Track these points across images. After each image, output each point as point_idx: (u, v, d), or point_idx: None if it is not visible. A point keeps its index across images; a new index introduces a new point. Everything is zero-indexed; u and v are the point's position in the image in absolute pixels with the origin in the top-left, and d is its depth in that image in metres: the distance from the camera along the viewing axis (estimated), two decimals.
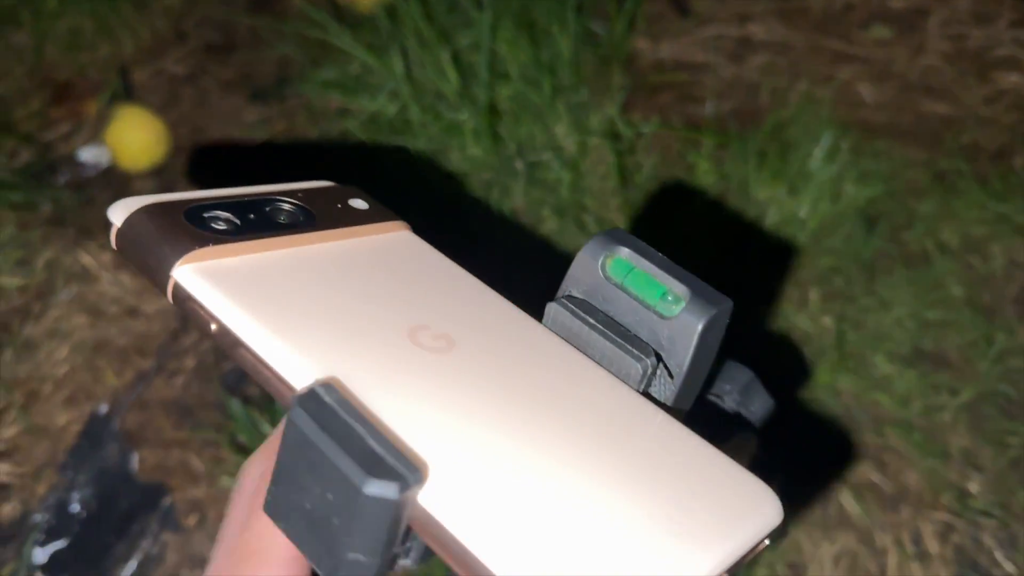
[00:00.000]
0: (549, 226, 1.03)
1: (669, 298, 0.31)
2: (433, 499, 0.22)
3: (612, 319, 0.32)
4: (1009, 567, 0.82)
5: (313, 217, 0.33)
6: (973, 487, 0.87)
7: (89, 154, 1.09)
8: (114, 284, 0.98)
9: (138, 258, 0.28)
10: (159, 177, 1.08)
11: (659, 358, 0.31)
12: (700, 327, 0.30)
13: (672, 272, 0.31)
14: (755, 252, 1.01)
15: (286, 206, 0.33)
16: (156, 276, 0.27)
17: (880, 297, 0.98)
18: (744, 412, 0.47)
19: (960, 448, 0.89)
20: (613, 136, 1.07)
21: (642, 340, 0.31)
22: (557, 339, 0.31)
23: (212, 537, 0.84)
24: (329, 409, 0.23)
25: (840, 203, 1.04)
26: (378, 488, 0.21)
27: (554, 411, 0.27)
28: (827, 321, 0.97)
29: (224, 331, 0.26)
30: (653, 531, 0.23)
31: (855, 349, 0.94)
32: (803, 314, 0.97)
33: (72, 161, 1.09)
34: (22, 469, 0.88)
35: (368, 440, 0.21)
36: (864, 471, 0.87)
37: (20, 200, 1.05)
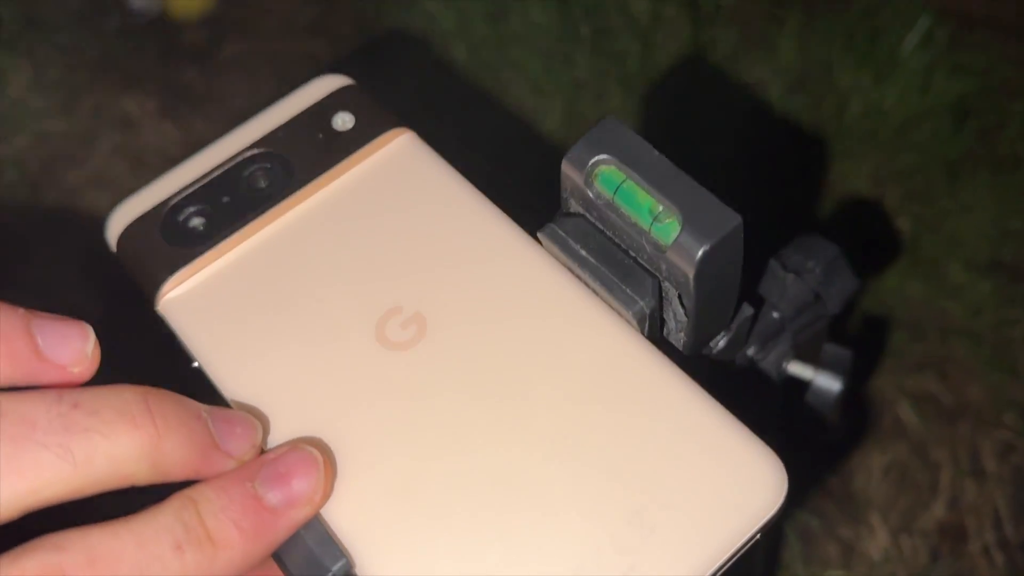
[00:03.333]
0: (613, 101, 0.95)
1: (667, 216, 0.24)
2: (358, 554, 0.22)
3: (610, 241, 0.25)
4: None
5: (292, 170, 0.29)
6: None
7: (141, 1, 1.02)
8: (156, 134, 0.93)
9: (136, 280, 0.28)
10: (208, 27, 1.02)
11: (661, 293, 0.25)
12: (698, 259, 0.23)
13: (666, 186, 0.24)
14: (833, 145, 0.93)
15: (262, 166, 0.29)
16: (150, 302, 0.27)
17: (961, 201, 0.90)
18: (823, 292, 0.42)
19: None
20: (690, 5, 0.97)
21: (641, 270, 0.25)
22: (551, 273, 0.26)
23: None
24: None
25: (929, 96, 0.94)
26: None
27: (524, 394, 0.24)
28: (903, 222, 0.90)
29: (201, 370, 0.26)
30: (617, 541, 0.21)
31: (929, 254, 0.87)
32: (878, 214, 0.90)
33: (123, 6, 1.02)
34: None
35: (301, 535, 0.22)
36: (925, 381, 0.82)
37: (67, 42, 1.00)
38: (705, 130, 0.92)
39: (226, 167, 0.29)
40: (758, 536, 0.21)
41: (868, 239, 0.89)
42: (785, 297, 0.39)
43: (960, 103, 0.94)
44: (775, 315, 0.39)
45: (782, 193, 0.91)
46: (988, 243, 0.88)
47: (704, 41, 0.96)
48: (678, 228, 0.23)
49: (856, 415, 0.79)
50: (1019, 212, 0.90)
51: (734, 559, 0.21)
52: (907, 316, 0.85)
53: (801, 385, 0.42)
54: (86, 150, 0.93)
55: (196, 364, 0.26)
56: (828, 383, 0.42)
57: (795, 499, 0.59)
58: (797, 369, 0.41)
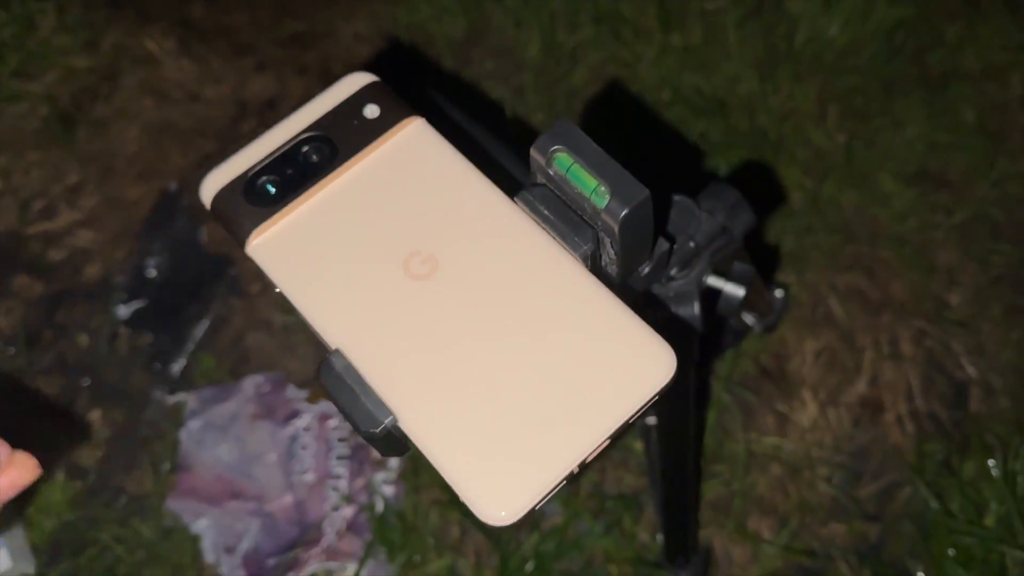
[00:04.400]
0: (584, 33, 1.04)
1: (600, 189, 0.35)
2: (407, 425, 0.33)
3: (564, 204, 0.37)
4: (971, 371, 0.90)
5: (336, 149, 0.39)
6: (953, 299, 0.93)
7: None
8: (177, 70, 1.02)
9: (229, 233, 0.38)
10: None
11: (598, 241, 0.37)
12: (620, 220, 0.35)
13: (600, 169, 0.36)
14: (783, 68, 1.02)
15: (314, 146, 0.40)
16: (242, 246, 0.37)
17: (894, 117, 1.00)
18: (729, 225, 0.53)
19: (946, 264, 0.94)
20: None
21: (585, 224, 0.36)
22: (523, 225, 0.37)
23: (273, 303, 0.93)
24: (335, 374, 0.35)
25: (870, 22, 1.03)
26: (366, 432, 0.33)
27: (500, 300, 0.36)
28: (841, 138, 1.00)
29: (282, 294, 0.36)
30: (553, 395, 0.33)
31: (863, 166, 0.98)
32: (820, 130, 1.00)
33: None
34: (101, 237, 0.97)
35: (360, 397, 0.33)
36: (854, 278, 0.94)
37: None
38: (664, 49, 1.02)
39: (288, 146, 0.39)
40: (656, 398, 0.33)
41: (811, 152, 0.99)
42: (700, 231, 0.50)
43: (897, 28, 1.04)
44: (691, 244, 0.50)
45: (740, 112, 1.00)
46: (916, 155, 0.99)
47: None
48: (607, 197, 0.35)
49: (791, 308, 0.91)
50: (946, 127, 1.00)
51: (636, 417, 0.33)
52: (840, 222, 0.96)
53: (716, 293, 0.54)
54: (110, 85, 1.02)
55: (278, 290, 0.36)
56: (734, 290, 0.53)
57: (736, 379, 0.73)
58: (713, 281, 0.52)
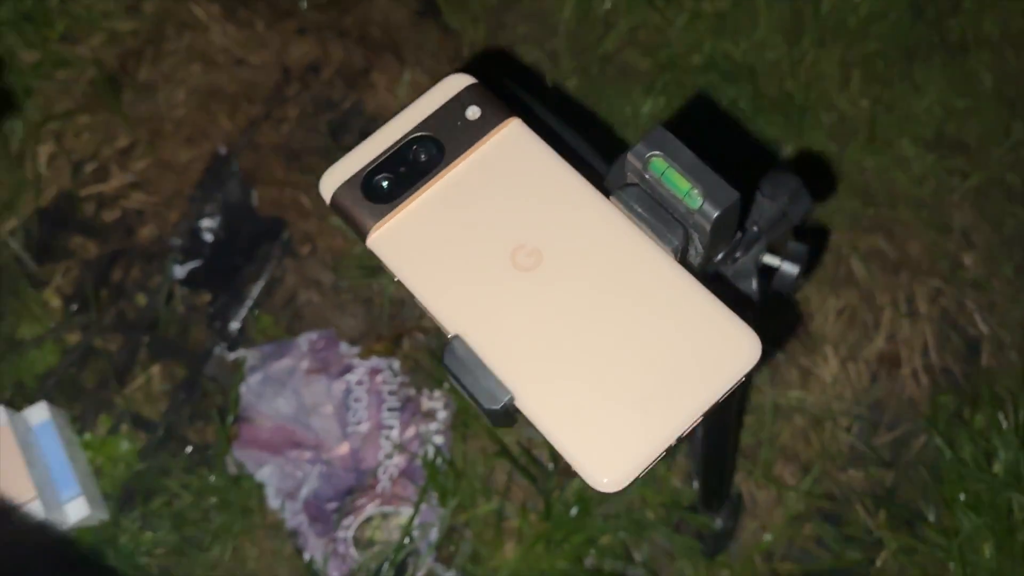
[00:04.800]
0: None
1: (693, 192, 0.40)
2: (522, 403, 0.38)
3: (658, 203, 0.41)
4: (984, 328, 0.95)
5: (443, 148, 0.43)
6: (967, 259, 0.98)
7: None
8: (222, 35, 1.04)
9: (350, 226, 0.42)
10: None
11: (688, 237, 0.41)
12: (712, 220, 0.40)
13: (695, 172, 0.40)
14: (808, 35, 1.05)
15: (423, 145, 0.43)
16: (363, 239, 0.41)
17: (914, 83, 1.04)
18: (789, 211, 0.58)
19: (961, 225, 0.99)
20: None
21: (676, 222, 0.41)
22: (619, 222, 0.41)
23: (323, 264, 0.97)
24: (457, 357, 0.39)
25: None
26: (487, 408, 0.37)
27: (601, 290, 0.40)
28: (864, 103, 1.03)
29: (402, 284, 0.40)
30: (651, 377, 0.38)
31: (884, 131, 1.02)
32: (844, 95, 1.03)
33: None
34: (154, 199, 1.00)
35: (480, 379, 0.38)
36: (873, 239, 0.98)
37: None
38: (695, 15, 1.05)
39: (399, 145, 0.43)
40: (743, 380, 0.38)
41: (836, 117, 1.03)
42: (763, 216, 0.55)
43: None
44: (755, 228, 0.55)
45: (768, 77, 1.04)
46: (935, 120, 1.03)
47: None
48: (700, 200, 0.39)
49: (817, 270, 0.96)
50: (964, 93, 1.04)
51: (724, 399, 0.38)
52: (862, 184, 1.00)
53: (772, 271, 0.58)
54: (155, 49, 1.05)
55: (396, 279, 0.41)
56: (790, 268, 0.58)
57: (765, 338, 0.78)
58: (769, 259, 0.57)
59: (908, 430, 0.92)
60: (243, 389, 0.92)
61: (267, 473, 0.90)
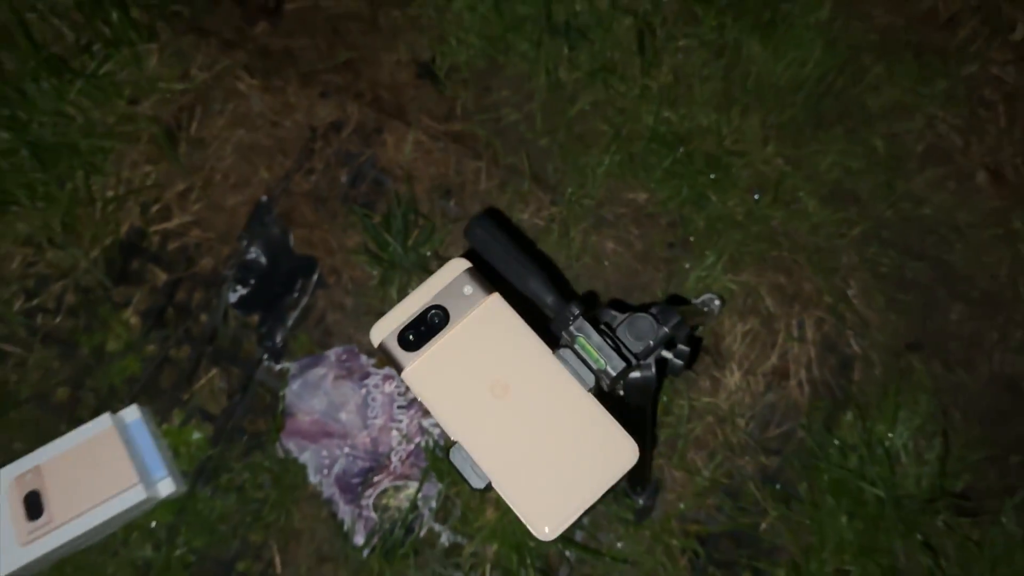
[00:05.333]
0: (581, 72, 1.29)
1: (600, 360, 0.67)
2: (496, 484, 0.64)
3: (581, 361, 0.68)
4: (858, 349, 1.24)
5: (448, 315, 0.70)
6: (849, 293, 1.26)
7: None
8: (260, 102, 1.27)
9: (389, 363, 0.68)
10: None
11: (598, 380, 0.68)
12: (610, 377, 0.68)
13: (601, 349, 0.68)
14: (737, 105, 1.29)
15: (435, 312, 0.70)
16: (400, 375, 0.67)
17: (820, 146, 1.29)
18: (673, 333, 0.85)
19: (846, 266, 1.26)
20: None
21: (591, 373, 0.68)
22: (559, 369, 0.68)
23: (346, 291, 1.23)
24: (458, 457, 0.64)
25: (807, 66, 1.30)
26: (474, 488, 0.64)
27: (544, 412, 0.68)
28: (778, 162, 1.29)
29: (425, 407, 0.68)
30: (573, 467, 0.65)
31: (791, 187, 1.27)
32: (761, 156, 1.28)
33: None
34: (209, 235, 1.25)
35: (471, 469, 0.65)
36: (776, 276, 1.25)
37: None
38: (644, 90, 1.28)
39: (420, 312, 0.70)
40: (636, 486, 0.66)
41: (753, 175, 1.28)
42: (656, 337, 0.81)
43: (829, 71, 1.30)
44: (651, 343, 0.81)
45: (700, 139, 1.28)
46: (833, 178, 1.28)
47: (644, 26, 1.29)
48: (604, 363, 0.67)
49: (726, 303, 1.23)
50: (859, 155, 1.29)
51: (610, 491, 0.66)
52: (769, 232, 1.26)
53: (666, 361, 0.85)
54: (204, 109, 1.28)
55: (420, 400, 0.68)
56: (677, 362, 0.85)
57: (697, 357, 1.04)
58: (666, 354, 0.84)
59: (791, 428, 1.21)
60: (287, 392, 1.20)
61: (307, 456, 1.19)
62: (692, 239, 1.25)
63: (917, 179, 1.29)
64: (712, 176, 1.25)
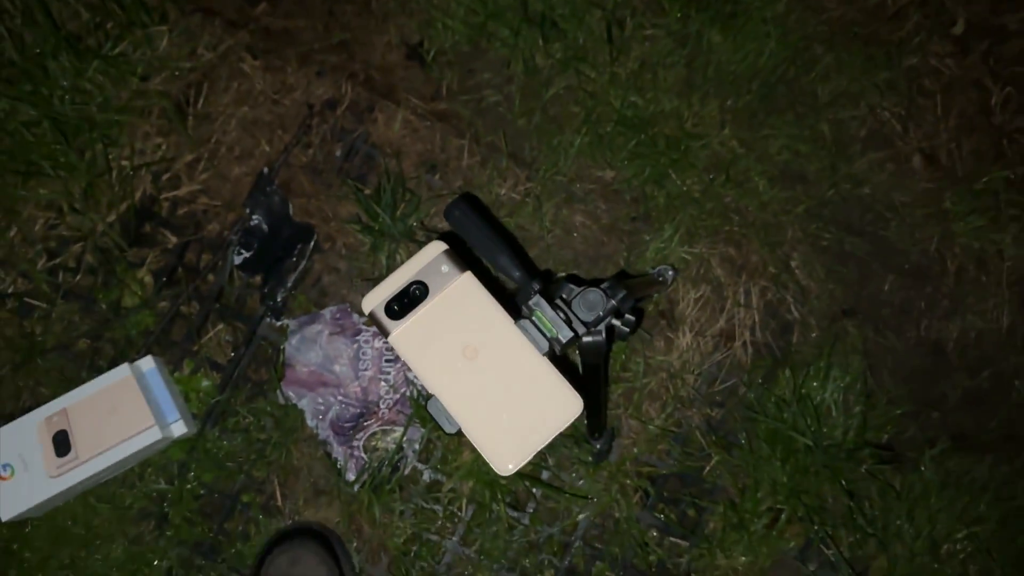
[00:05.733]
0: (556, 58, 1.41)
1: (553, 329, 0.81)
2: (465, 429, 0.79)
3: (538, 330, 0.82)
4: (797, 315, 1.38)
5: (427, 289, 0.84)
6: (792, 264, 1.39)
7: None
8: (262, 81, 1.38)
9: (378, 329, 0.82)
10: None
11: (551, 346, 0.82)
12: (561, 344, 0.82)
13: (554, 322, 0.82)
14: (697, 91, 1.41)
15: (418, 286, 0.84)
16: (386, 339, 0.80)
17: (772, 130, 1.41)
18: (619, 304, 0.98)
19: (791, 239, 1.39)
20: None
21: (545, 340, 0.82)
22: (519, 336, 0.82)
23: (340, 256, 1.36)
24: (434, 408, 0.79)
25: (763, 56, 1.41)
26: (448, 432, 0.79)
27: (505, 371, 0.83)
28: (733, 144, 1.41)
29: (407, 366, 0.82)
30: (529, 414, 0.80)
31: (743, 168, 1.40)
32: (718, 138, 1.41)
33: None
34: (215, 203, 1.37)
35: (444, 417, 0.81)
36: (727, 249, 1.38)
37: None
38: (612, 76, 1.40)
39: (404, 286, 0.84)
40: (568, 426, 0.80)
41: (711, 156, 1.40)
42: (605, 309, 0.95)
43: (783, 61, 1.42)
44: (600, 314, 0.95)
45: (663, 123, 1.40)
46: (783, 160, 1.41)
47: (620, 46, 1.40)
48: (556, 332, 0.81)
49: (680, 272, 1.37)
50: (807, 139, 1.41)
51: (560, 436, 0.80)
52: (722, 209, 1.39)
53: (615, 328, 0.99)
54: (211, 86, 1.39)
55: (405, 361, 0.82)
56: (623, 329, 0.98)
57: (643, 324, 1.20)
58: (614, 322, 0.98)
59: (734, 384, 1.36)
60: (287, 345, 1.34)
61: (305, 403, 1.33)
62: (653, 214, 1.38)
63: (859, 162, 1.42)
64: (673, 157, 1.38)
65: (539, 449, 0.82)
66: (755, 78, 1.42)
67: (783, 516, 1.32)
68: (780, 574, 1.34)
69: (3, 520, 1.18)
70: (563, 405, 0.82)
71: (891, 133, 1.44)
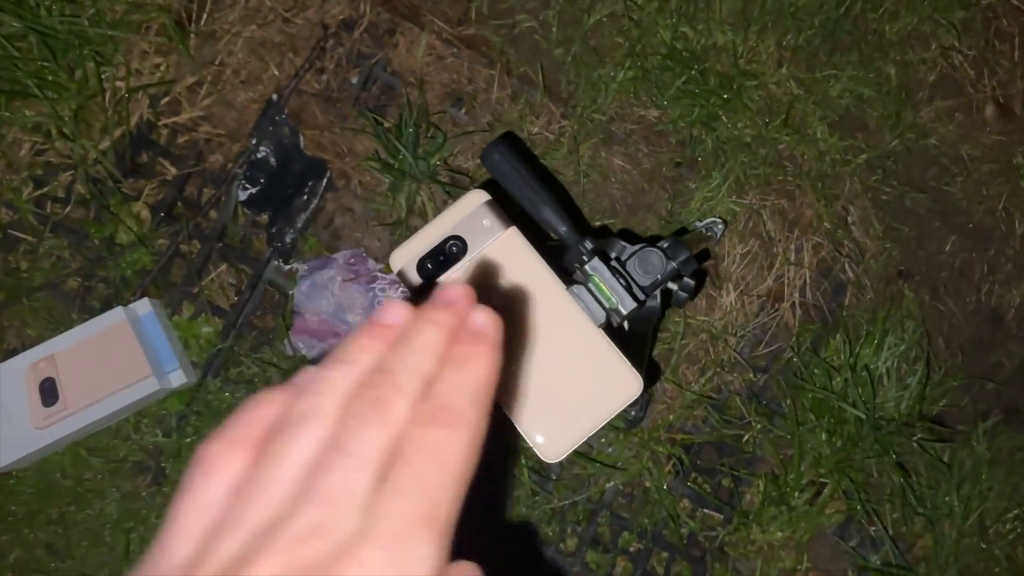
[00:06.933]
0: None
1: (612, 298, 0.68)
2: (508, 410, 0.66)
3: (594, 298, 0.69)
4: (851, 275, 1.25)
5: (466, 245, 0.71)
6: (848, 220, 1.26)
7: None
8: None
9: (408, 289, 0.68)
10: None
11: (608, 317, 0.70)
12: (622, 316, 0.69)
13: (614, 288, 0.69)
14: (755, 24, 1.25)
15: (456, 242, 0.71)
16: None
17: (833, 71, 1.27)
18: (680, 268, 0.85)
19: (848, 193, 1.26)
20: None
21: (602, 310, 0.69)
22: (571, 303, 0.70)
23: (355, 195, 1.23)
24: None
25: None
26: None
27: (555, 345, 0.70)
28: (791, 85, 1.26)
29: None
30: (581, 395, 0.68)
31: (801, 112, 1.26)
32: (775, 78, 1.26)
33: None
34: (219, 131, 1.23)
35: None
36: (779, 201, 1.25)
37: None
38: (663, 4, 1.25)
39: (438, 242, 0.71)
40: (628, 404, 0.68)
41: (765, 97, 1.26)
42: (665, 270, 0.82)
43: None
44: (659, 277, 0.82)
45: (716, 59, 1.25)
46: (843, 105, 1.27)
47: None
48: (616, 302, 0.68)
49: (728, 225, 1.24)
50: (870, 82, 1.27)
51: (613, 416, 0.68)
52: (775, 156, 1.25)
53: (672, 293, 0.86)
54: (216, 2, 1.23)
55: None
56: (682, 295, 0.86)
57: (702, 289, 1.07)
58: (672, 286, 0.85)
59: (779, 348, 1.24)
60: (296, 292, 1.21)
61: (315, 354, 1.21)
62: (699, 159, 1.24)
63: (925, 109, 1.28)
64: (725, 96, 1.23)
65: (591, 435, 0.71)
66: (818, 12, 1.26)
67: (826, 490, 1.22)
68: (818, 550, 1.24)
69: None
70: (620, 385, 0.70)
71: (962, 79, 1.29)
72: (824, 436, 1.21)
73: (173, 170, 1.22)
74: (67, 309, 1.19)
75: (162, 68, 1.22)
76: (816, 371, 1.22)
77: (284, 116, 1.22)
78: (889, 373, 1.22)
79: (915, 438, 1.21)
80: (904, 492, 1.20)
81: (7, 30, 1.16)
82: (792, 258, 1.24)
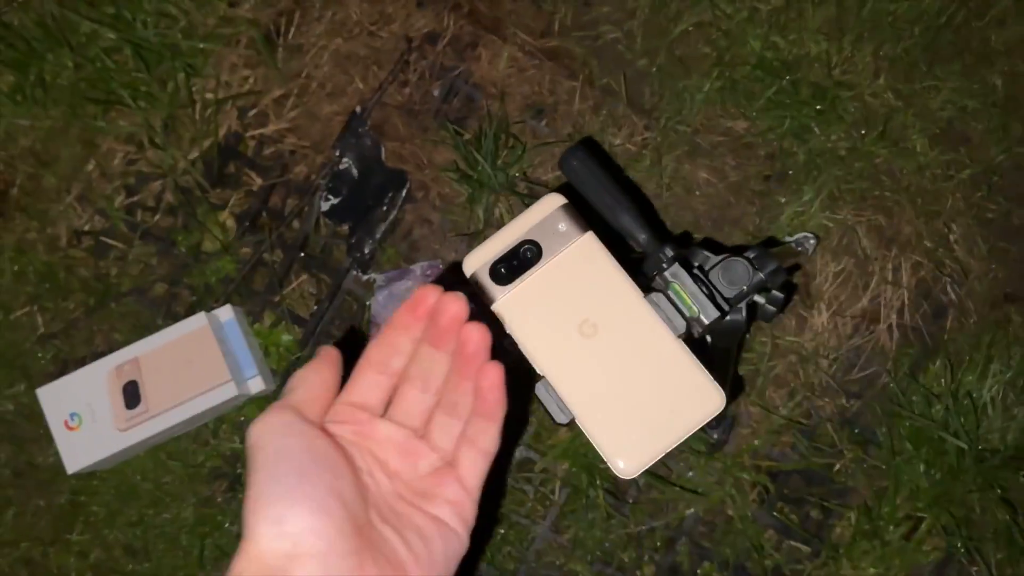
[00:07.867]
0: None
1: (694, 307, 0.63)
2: (579, 420, 0.60)
3: (673, 307, 0.64)
4: (953, 297, 1.17)
5: (541, 251, 0.66)
6: (950, 239, 1.18)
7: None
8: (358, 10, 1.23)
9: (479, 298, 0.64)
10: None
11: (688, 327, 0.64)
12: (704, 326, 0.63)
13: (696, 297, 0.63)
14: (850, 33, 1.19)
15: (529, 247, 0.67)
16: (489, 308, 0.63)
17: (934, 82, 1.19)
18: (768, 279, 0.80)
19: (950, 210, 1.18)
20: None
21: (682, 319, 0.64)
22: (649, 312, 0.65)
23: (434, 207, 1.21)
24: (543, 392, 0.60)
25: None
26: (558, 422, 0.60)
27: (631, 355, 0.64)
28: (888, 97, 1.20)
29: (513, 341, 0.62)
30: (657, 409, 0.62)
31: (899, 124, 1.19)
32: (871, 89, 1.19)
33: None
34: (304, 143, 1.23)
35: (555, 404, 0.61)
36: (876, 217, 1.18)
37: None
38: (752, 13, 1.20)
39: (513, 246, 0.67)
40: (710, 420, 0.63)
41: (861, 109, 1.19)
42: (752, 281, 0.76)
43: (950, 2, 1.19)
44: (744, 288, 0.77)
45: (808, 69, 1.20)
46: (945, 117, 1.19)
47: None
48: (697, 311, 0.63)
49: (820, 241, 1.17)
50: (975, 94, 1.19)
51: (693, 432, 0.63)
52: (872, 170, 1.18)
53: (758, 306, 0.81)
54: (303, 15, 1.24)
55: (509, 333, 0.66)
56: (769, 308, 0.80)
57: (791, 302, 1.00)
58: (758, 299, 0.79)
59: (875, 372, 1.16)
60: (373, 302, 1.20)
61: None
62: (790, 173, 1.18)
63: None
64: (818, 108, 1.17)
65: (669, 450, 0.65)
66: (918, 21, 1.19)
67: (923, 526, 1.13)
68: None
69: (68, 473, 1.08)
70: (700, 400, 0.64)
71: None
72: (922, 467, 1.12)
73: (259, 181, 1.23)
74: (153, 315, 1.21)
75: (250, 80, 1.23)
76: (914, 398, 1.13)
77: (367, 128, 1.22)
78: (994, 402, 1.13)
79: (1022, 472, 1.12)
80: (1010, 530, 1.11)
81: (104, 43, 1.19)
82: (889, 278, 1.17)
